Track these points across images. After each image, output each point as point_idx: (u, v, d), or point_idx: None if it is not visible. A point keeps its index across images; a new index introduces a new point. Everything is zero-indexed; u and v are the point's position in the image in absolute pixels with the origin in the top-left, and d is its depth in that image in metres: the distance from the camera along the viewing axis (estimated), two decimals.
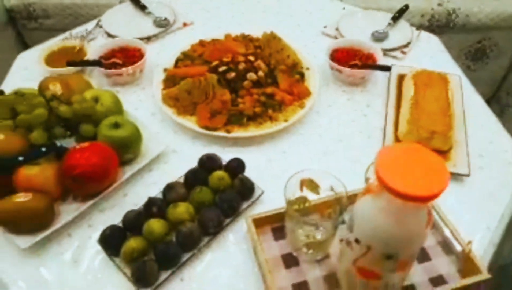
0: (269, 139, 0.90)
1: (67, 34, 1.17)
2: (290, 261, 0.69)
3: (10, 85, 1.00)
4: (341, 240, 0.66)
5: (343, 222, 0.67)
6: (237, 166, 0.79)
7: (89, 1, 1.75)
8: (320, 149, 0.88)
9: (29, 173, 0.71)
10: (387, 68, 0.98)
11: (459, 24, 1.73)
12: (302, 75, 0.99)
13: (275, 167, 0.85)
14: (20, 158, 0.70)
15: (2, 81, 1.06)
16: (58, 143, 0.74)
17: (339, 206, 0.64)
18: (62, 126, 0.78)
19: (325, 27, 1.21)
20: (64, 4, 1.74)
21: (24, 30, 1.82)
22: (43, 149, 0.72)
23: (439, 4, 1.72)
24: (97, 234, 0.71)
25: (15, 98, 0.78)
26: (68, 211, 0.74)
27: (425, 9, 1.70)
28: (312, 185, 0.67)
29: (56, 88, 0.83)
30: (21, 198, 0.68)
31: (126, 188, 0.80)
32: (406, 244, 0.51)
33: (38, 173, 0.71)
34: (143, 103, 0.98)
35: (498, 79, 1.97)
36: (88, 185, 0.72)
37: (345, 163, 0.85)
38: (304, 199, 0.68)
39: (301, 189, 0.67)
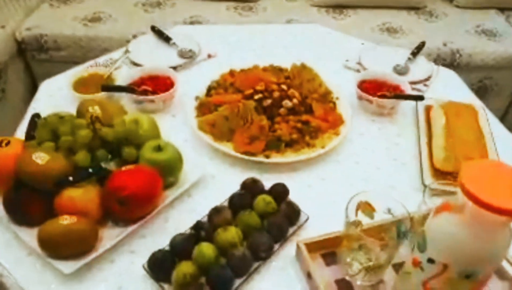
0: (306, 165, 0.89)
1: (92, 62, 1.17)
2: (344, 287, 0.67)
3: (37, 111, 0.99)
4: (402, 263, 0.64)
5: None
6: (282, 191, 0.78)
7: (103, 34, 1.78)
8: (359, 176, 0.88)
9: (73, 194, 0.68)
10: (420, 98, 1.00)
11: (463, 63, 1.81)
12: (334, 104, 1.01)
13: (315, 193, 0.84)
14: (70, 178, 0.67)
15: (24, 110, 1.04)
16: (103, 164, 0.72)
17: (396, 229, 0.63)
18: (103, 149, 0.76)
19: (347, 60, 1.24)
20: (77, 36, 1.76)
21: (32, 61, 1.82)
22: (90, 170, 0.70)
23: (444, 44, 1.80)
24: (140, 260, 0.68)
25: (56, 120, 0.76)
26: (109, 236, 0.71)
27: (431, 48, 1.77)
28: (368, 209, 0.66)
29: (95, 111, 0.81)
30: (67, 220, 0.65)
31: (167, 213, 0.78)
32: (488, 261, 0.50)
33: (81, 195, 0.69)
34: (175, 130, 0.97)
35: (498, 116, 2.04)
36: (135, 208, 0.70)
37: (385, 189, 0.85)
38: (358, 223, 0.66)
39: (356, 213, 0.66)
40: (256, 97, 0.95)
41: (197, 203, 0.80)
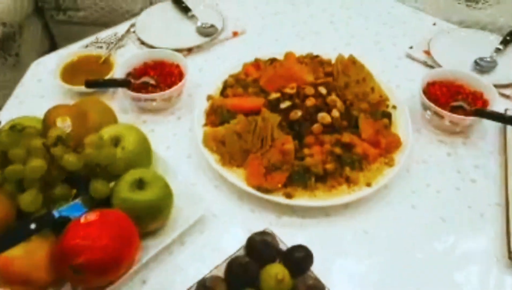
0: (343, 209, 0.66)
1: (93, 38, 0.97)
2: None
3: (19, 101, 0.83)
4: None
5: None
6: (303, 259, 0.55)
7: None
8: (417, 229, 0.64)
9: (10, 255, 0.50)
10: None
11: None
12: (389, 117, 0.74)
13: (352, 254, 0.61)
14: None
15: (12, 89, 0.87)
16: (57, 212, 0.53)
17: None
18: (65, 181, 0.57)
19: (411, 47, 0.95)
20: None
21: (51, 22, 1.65)
22: (33, 226, 0.51)
23: None
24: None
25: (10, 138, 0.57)
26: None
27: None
28: None
29: (65, 124, 0.61)
30: None
31: (146, 272, 0.58)
32: None
33: (22, 255, 0.50)
34: (177, 140, 0.77)
35: None
36: (94, 278, 0.51)
37: (454, 258, 0.61)
38: None
39: None
40: (283, 106, 0.71)
41: (188, 256, 0.61)
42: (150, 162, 0.66)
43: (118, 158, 0.60)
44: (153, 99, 0.78)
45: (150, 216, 0.57)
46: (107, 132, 0.63)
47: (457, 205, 0.67)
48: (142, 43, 0.96)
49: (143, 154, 0.64)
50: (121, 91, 0.82)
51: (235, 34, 1.00)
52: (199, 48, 0.96)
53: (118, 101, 0.83)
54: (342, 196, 0.64)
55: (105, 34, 0.98)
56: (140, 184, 0.57)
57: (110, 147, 0.60)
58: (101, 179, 0.58)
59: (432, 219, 0.65)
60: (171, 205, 0.60)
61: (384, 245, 0.62)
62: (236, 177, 0.67)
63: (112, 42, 0.94)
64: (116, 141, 0.63)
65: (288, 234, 0.61)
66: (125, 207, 0.56)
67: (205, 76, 0.87)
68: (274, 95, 0.73)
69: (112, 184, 0.59)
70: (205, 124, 0.74)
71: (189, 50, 0.94)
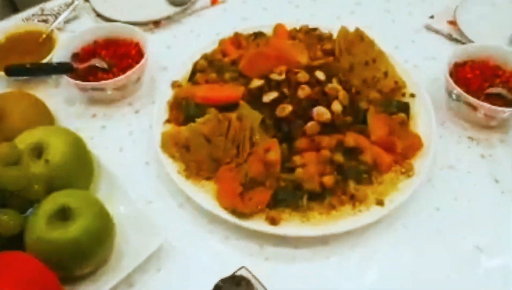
0: (346, 235, 0.50)
1: (37, 9, 0.78)
2: None
3: None
4: None
5: None
6: None
7: None
8: (444, 262, 0.48)
9: None
10: None
11: None
12: (406, 110, 0.57)
13: None
14: None
15: None
16: None
17: None
18: None
19: (431, 17, 0.77)
20: None
21: None
22: None
23: None
24: None
25: None
26: None
27: None
28: None
29: None
30: None
31: None
32: None
33: None
34: (134, 140, 0.60)
35: None
36: None
37: None
38: None
39: None
40: (267, 99, 0.53)
41: None
42: (90, 176, 0.49)
43: (39, 174, 0.44)
44: (102, 89, 0.61)
45: (77, 260, 0.41)
46: (26, 139, 0.46)
47: (497, 227, 0.51)
48: (99, 15, 0.78)
49: (77, 167, 0.48)
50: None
51: (214, 1, 0.81)
52: (168, 20, 0.78)
53: (64, 90, 0.66)
54: (345, 219, 0.48)
55: (52, 4, 0.79)
56: (64, 214, 0.41)
57: (27, 161, 0.43)
58: (11, 209, 0.41)
59: (463, 247, 0.50)
60: (110, 239, 0.44)
61: (400, 284, 0.47)
62: (204, 193, 0.50)
63: (59, 13, 0.76)
64: (38, 152, 0.46)
65: (274, 270, 0.47)
66: (40, 249, 0.40)
67: (173, 56, 0.70)
68: (256, 83, 0.55)
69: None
70: (168, 121, 0.57)
71: (156, 24, 0.77)
